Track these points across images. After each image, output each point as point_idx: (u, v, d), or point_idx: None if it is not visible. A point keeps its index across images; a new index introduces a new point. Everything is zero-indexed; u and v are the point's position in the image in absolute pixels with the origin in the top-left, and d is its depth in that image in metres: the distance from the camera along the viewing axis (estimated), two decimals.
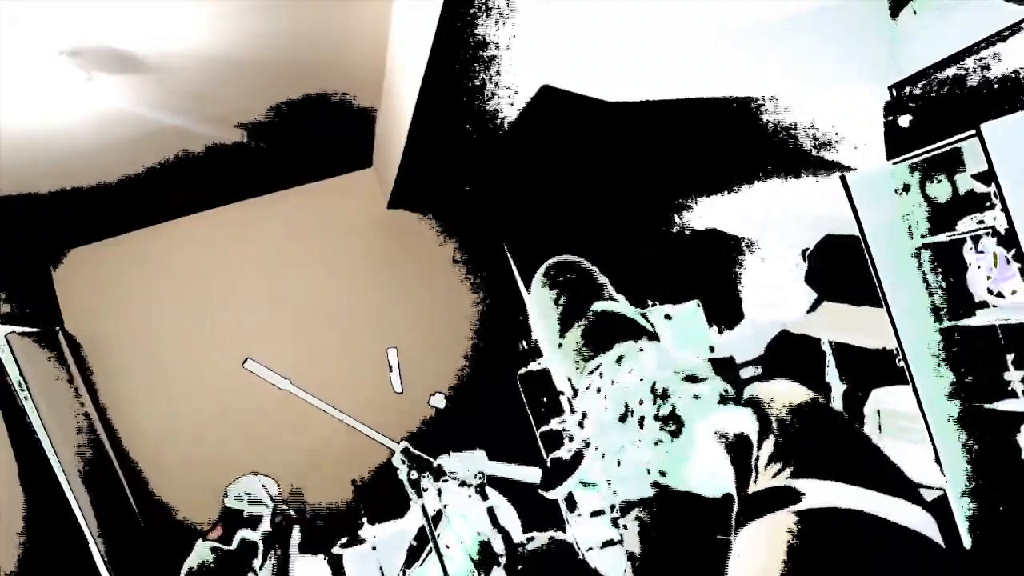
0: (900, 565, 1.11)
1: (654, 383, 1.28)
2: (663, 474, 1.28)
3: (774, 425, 1.23)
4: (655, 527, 2.33)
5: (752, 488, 1.21)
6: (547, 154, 4.56)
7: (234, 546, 3.47)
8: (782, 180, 3.88)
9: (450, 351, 5.43)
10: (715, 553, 2.28)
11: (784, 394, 1.29)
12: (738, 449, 1.24)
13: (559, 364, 2.52)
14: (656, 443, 1.26)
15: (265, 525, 3.53)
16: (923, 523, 1.14)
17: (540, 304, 2.56)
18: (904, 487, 1.17)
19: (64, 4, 2.45)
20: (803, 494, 1.13)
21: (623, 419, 1.28)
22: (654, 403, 1.27)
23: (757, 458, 1.21)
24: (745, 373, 3.70)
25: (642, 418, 1.27)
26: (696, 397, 1.27)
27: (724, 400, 1.28)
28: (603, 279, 2.58)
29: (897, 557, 1.11)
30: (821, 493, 1.13)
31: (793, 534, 1.09)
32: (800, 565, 1.07)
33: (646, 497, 1.31)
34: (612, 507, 2.52)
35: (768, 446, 1.21)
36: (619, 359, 1.33)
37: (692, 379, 1.29)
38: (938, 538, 1.15)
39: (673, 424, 1.26)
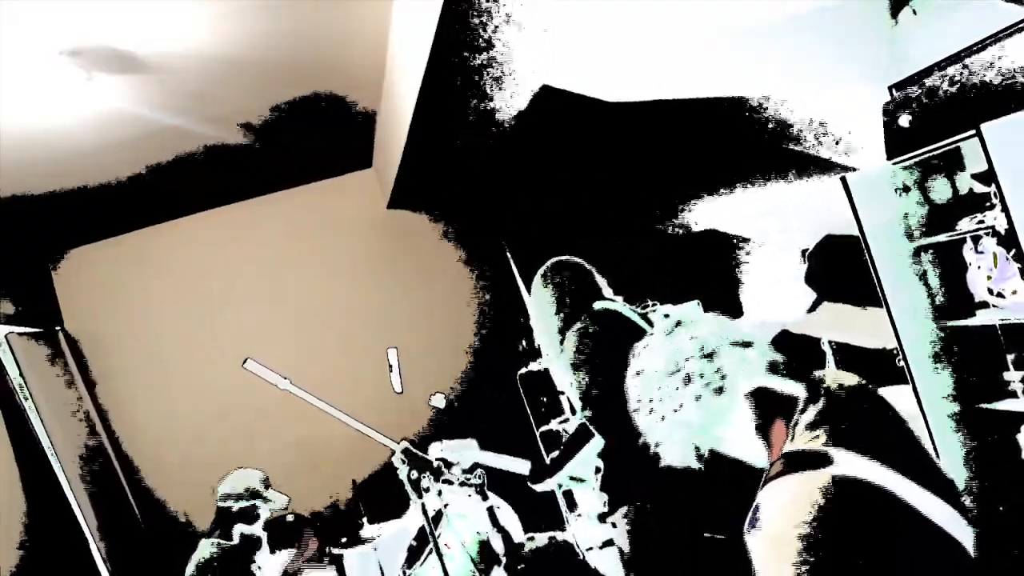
0: (920, 556, 1.12)
1: (704, 343, 1.33)
2: (703, 433, 1.32)
3: (820, 396, 1.27)
4: (645, 525, 2.34)
5: (787, 448, 1.24)
6: (547, 154, 4.56)
7: (235, 540, 3.46)
8: (782, 180, 3.88)
9: (450, 351, 5.42)
10: (704, 550, 2.29)
11: (836, 375, 1.34)
12: (781, 412, 1.29)
13: (559, 363, 2.53)
14: (698, 398, 1.30)
15: (263, 517, 3.52)
16: (958, 529, 1.15)
17: (540, 304, 2.56)
18: (946, 490, 1.18)
19: (64, 4, 2.45)
20: (835, 461, 1.16)
21: (672, 375, 1.33)
22: (702, 360, 1.31)
23: (797, 422, 1.25)
24: None
25: (689, 375, 1.31)
26: (744, 360, 1.31)
27: (773, 368, 1.32)
28: (601, 280, 2.59)
29: (920, 548, 1.13)
30: (855, 465, 1.15)
31: (820, 495, 1.12)
32: (822, 527, 1.09)
33: (686, 460, 1.36)
34: (604, 505, 2.52)
35: (811, 413, 1.25)
36: (677, 324, 1.38)
37: (743, 344, 1.33)
38: (970, 547, 1.15)
39: (718, 382, 1.30)
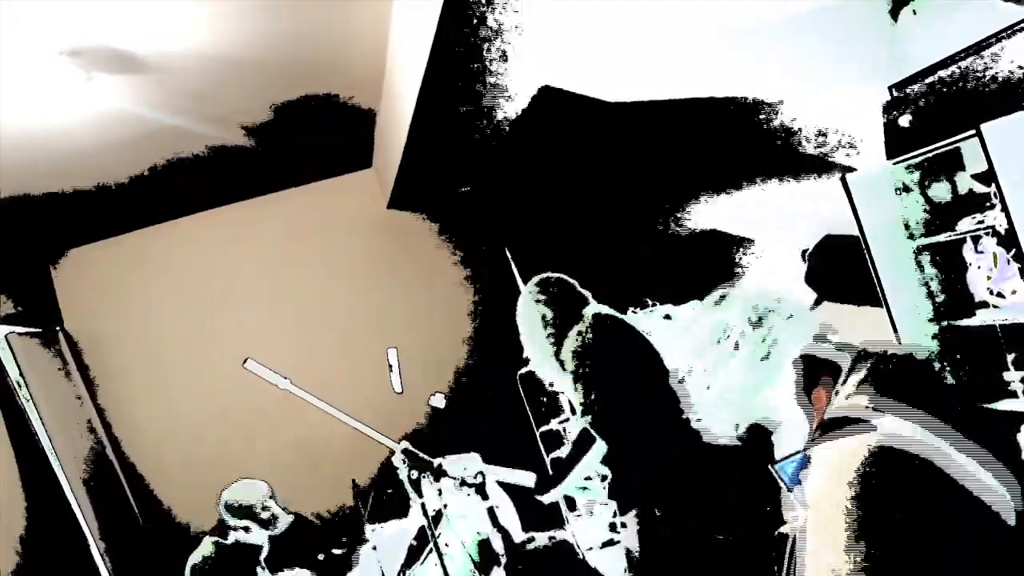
0: (958, 522, 1.13)
1: (752, 311, 1.36)
2: (749, 402, 1.34)
3: (865, 364, 1.29)
4: (654, 526, 2.34)
5: (829, 413, 1.26)
6: (547, 154, 4.56)
7: (230, 540, 3.46)
8: (782, 180, 3.88)
9: (450, 351, 5.42)
10: (713, 552, 2.29)
11: (884, 347, 1.36)
12: (824, 379, 1.31)
13: (552, 370, 2.55)
14: (746, 365, 1.33)
15: (263, 531, 3.51)
16: (996, 499, 1.16)
17: (530, 320, 2.58)
18: (983, 456, 1.20)
19: (64, 4, 2.45)
20: (878, 427, 1.17)
21: (720, 342, 1.35)
22: (749, 328, 1.34)
23: (838, 390, 1.28)
24: None
25: (737, 342, 1.34)
26: (791, 327, 1.34)
27: (819, 337, 1.35)
28: (584, 292, 2.63)
29: (958, 514, 1.13)
30: (897, 430, 1.17)
31: (861, 460, 1.13)
32: (864, 490, 1.10)
33: (729, 432, 1.38)
34: (614, 513, 2.52)
35: (854, 380, 1.27)
36: (723, 297, 1.42)
37: (790, 313, 1.36)
38: (1009, 517, 1.16)
39: (766, 349, 1.32)
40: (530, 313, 2.57)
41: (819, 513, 1.14)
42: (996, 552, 1.14)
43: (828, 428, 1.22)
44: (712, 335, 1.36)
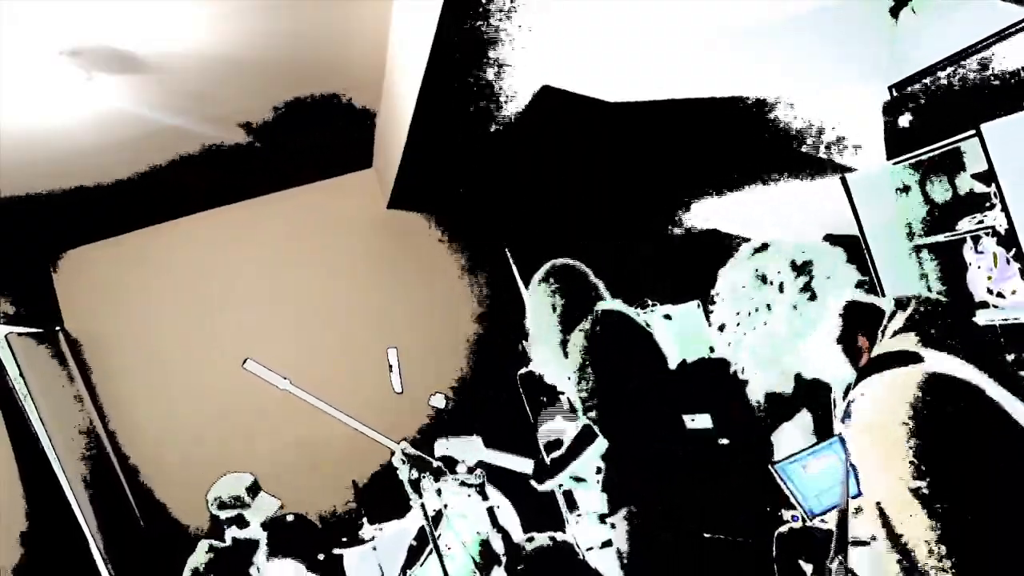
0: (1003, 451, 1.17)
1: (795, 256, 1.39)
2: (790, 346, 1.36)
3: (908, 307, 1.32)
4: (645, 526, 2.34)
5: (876, 351, 1.29)
6: (547, 154, 4.55)
7: (228, 542, 3.46)
8: (782, 180, 3.88)
9: (450, 351, 5.42)
10: (704, 551, 2.29)
11: (925, 299, 1.38)
12: (865, 325, 1.34)
13: (557, 363, 2.54)
14: (793, 307, 1.35)
15: (255, 521, 3.51)
16: None
17: (539, 309, 2.56)
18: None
19: (64, 4, 2.45)
20: (926, 359, 1.21)
21: (762, 287, 1.38)
22: (792, 273, 1.37)
23: (885, 328, 1.31)
24: None
25: (782, 284, 1.36)
26: (834, 273, 1.37)
27: (860, 284, 1.38)
28: (598, 281, 2.60)
29: (1003, 444, 1.17)
30: (945, 362, 1.21)
31: (911, 389, 1.17)
32: (915, 417, 1.15)
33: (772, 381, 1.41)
34: (605, 505, 2.52)
35: (899, 320, 1.31)
36: (764, 246, 1.44)
37: (831, 260, 1.39)
38: None
39: (809, 292, 1.35)
40: (539, 296, 2.55)
41: (883, 434, 1.17)
42: None
43: (877, 364, 1.26)
44: (754, 281, 1.38)
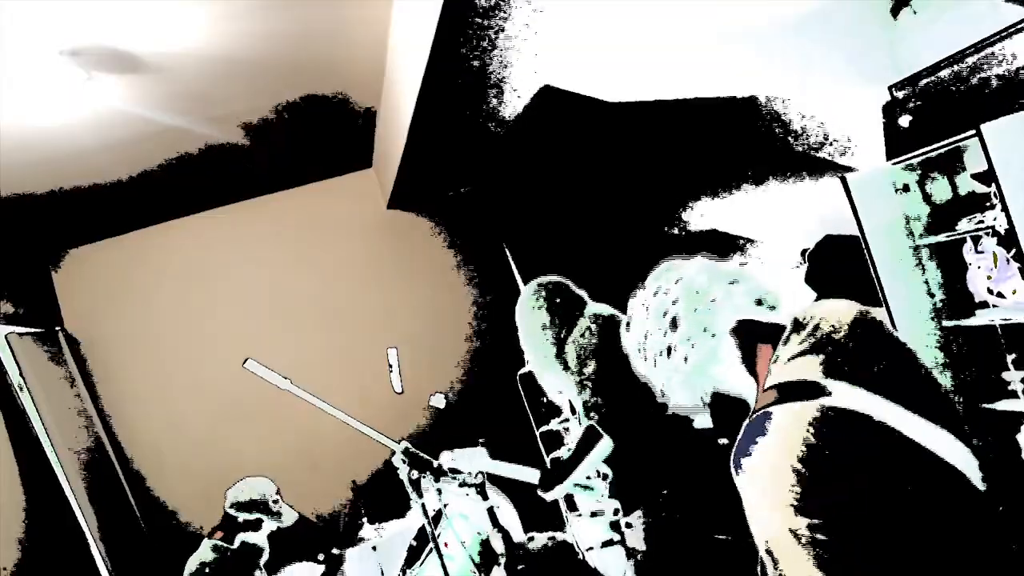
0: (925, 492, 1.09)
1: (690, 283, 1.33)
2: (699, 374, 1.31)
3: (811, 327, 1.23)
4: (659, 525, 2.35)
5: (777, 379, 1.20)
6: (547, 154, 4.56)
7: (236, 546, 3.46)
8: (782, 180, 3.88)
9: (450, 351, 5.43)
10: (717, 551, 2.29)
11: (831, 305, 1.30)
12: (766, 342, 1.26)
13: (554, 373, 2.55)
14: (688, 339, 1.29)
15: (268, 527, 3.52)
16: (963, 461, 1.12)
17: (530, 324, 2.58)
18: (949, 420, 1.14)
19: (64, 4, 2.45)
20: (831, 392, 1.12)
21: (660, 318, 1.32)
22: (689, 302, 1.31)
23: (779, 354, 1.22)
24: None
25: (675, 318, 1.31)
26: (731, 295, 1.30)
27: (760, 302, 1.31)
28: (581, 291, 2.63)
29: (925, 483, 1.09)
30: (853, 397, 1.11)
31: (813, 427, 1.08)
32: (816, 459, 1.06)
33: (691, 398, 1.35)
34: (615, 511, 2.52)
35: (797, 342, 1.22)
36: (666, 270, 1.39)
37: (730, 282, 1.33)
38: (978, 482, 1.11)
39: (705, 321, 1.29)
40: (529, 317, 2.58)
41: (769, 476, 1.10)
42: (966, 514, 1.11)
43: (782, 393, 1.17)
44: (656, 312, 1.33)
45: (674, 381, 1.33)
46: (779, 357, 1.23)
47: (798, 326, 1.25)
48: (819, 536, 1.04)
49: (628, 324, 1.40)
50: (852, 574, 1.04)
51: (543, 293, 2.58)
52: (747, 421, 1.19)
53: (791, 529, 1.06)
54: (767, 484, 1.11)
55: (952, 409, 1.19)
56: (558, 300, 2.56)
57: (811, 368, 1.17)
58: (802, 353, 1.20)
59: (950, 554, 1.06)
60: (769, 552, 1.11)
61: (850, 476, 1.07)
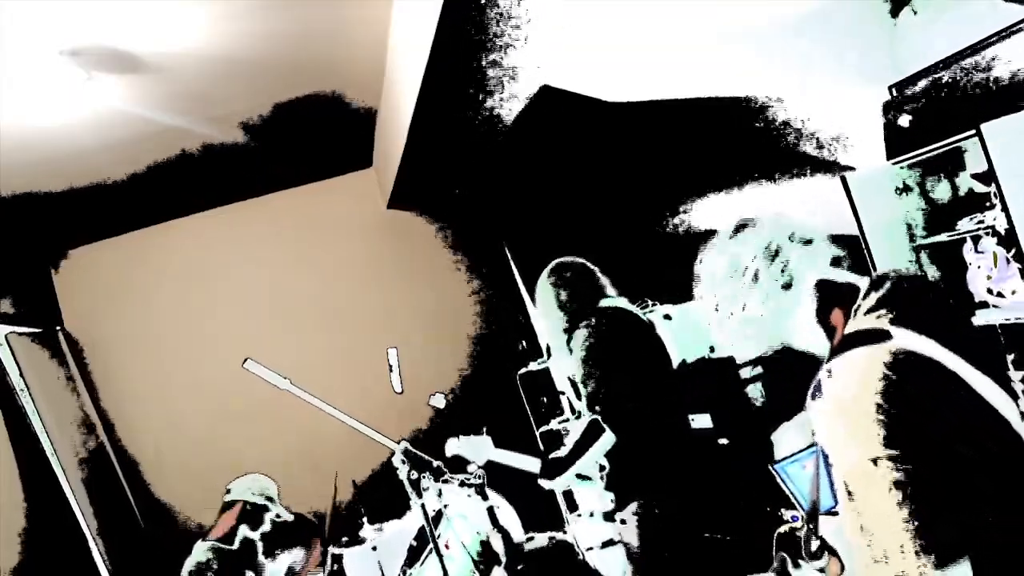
0: (975, 428, 1.19)
1: (769, 241, 1.40)
2: (773, 329, 1.40)
3: (883, 286, 1.33)
4: (653, 521, 2.35)
5: (849, 329, 1.31)
6: (547, 154, 4.55)
7: (236, 546, 3.46)
8: (782, 180, 3.88)
9: (450, 351, 5.42)
10: (712, 547, 2.29)
11: (899, 271, 1.39)
12: (841, 302, 1.35)
13: (564, 361, 2.55)
14: (767, 296, 1.37)
15: (266, 525, 3.52)
16: (1006, 407, 1.22)
17: (546, 305, 2.58)
18: (996, 372, 1.24)
19: (64, 4, 2.45)
20: (894, 336, 1.23)
21: (739, 274, 1.40)
22: (767, 259, 1.39)
23: (859, 307, 1.32)
24: (745, 373, 3.70)
25: (756, 272, 1.39)
26: (808, 255, 1.39)
27: (836, 262, 1.40)
28: (604, 279, 2.61)
29: (975, 422, 1.19)
30: (913, 340, 1.23)
31: (880, 366, 1.18)
32: (882, 394, 1.16)
33: (762, 355, 1.45)
34: (612, 504, 2.52)
35: (872, 299, 1.32)
36: (741, 226, 1.48)
37: (806, 241, 1.41)
38: (1020, 428, 1.21)
39: (784, 279, 1.37)
40: (544, 294, 2.58)
41: (849, 414, 1.19)
42: (1010, 456, 1.20)
43: (848, 342, 1.27)
44: (730, 267, 1.41)
45: (747, 332, 1.41)
46: (859, 308, 1.32)
47: (874, 285, 1.35)
48: (898, 468, 1.13)
49: (703, 275, 1.47)
50: (928, 505, 1.12)
51: (559, 273, 2.58)
52: (824, 364, 1.29)
53: (872, 458, 1.15)
54: (838, 418, 1.21)
55: (996, 361, 1.28)
56: (574, 283, 2.56)
57: (880, 319, 1.28)
58: (874, 308, 1.31)
59: (1002, 493, 1.17)
60: (845, 485, 1.19)
61: (925, 414, 1.17)
